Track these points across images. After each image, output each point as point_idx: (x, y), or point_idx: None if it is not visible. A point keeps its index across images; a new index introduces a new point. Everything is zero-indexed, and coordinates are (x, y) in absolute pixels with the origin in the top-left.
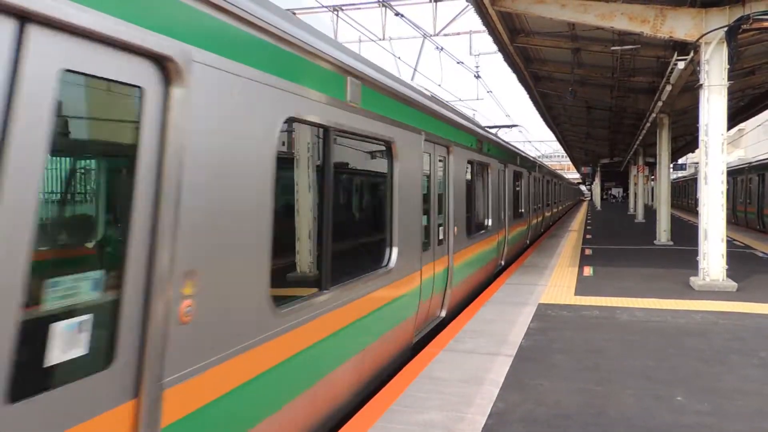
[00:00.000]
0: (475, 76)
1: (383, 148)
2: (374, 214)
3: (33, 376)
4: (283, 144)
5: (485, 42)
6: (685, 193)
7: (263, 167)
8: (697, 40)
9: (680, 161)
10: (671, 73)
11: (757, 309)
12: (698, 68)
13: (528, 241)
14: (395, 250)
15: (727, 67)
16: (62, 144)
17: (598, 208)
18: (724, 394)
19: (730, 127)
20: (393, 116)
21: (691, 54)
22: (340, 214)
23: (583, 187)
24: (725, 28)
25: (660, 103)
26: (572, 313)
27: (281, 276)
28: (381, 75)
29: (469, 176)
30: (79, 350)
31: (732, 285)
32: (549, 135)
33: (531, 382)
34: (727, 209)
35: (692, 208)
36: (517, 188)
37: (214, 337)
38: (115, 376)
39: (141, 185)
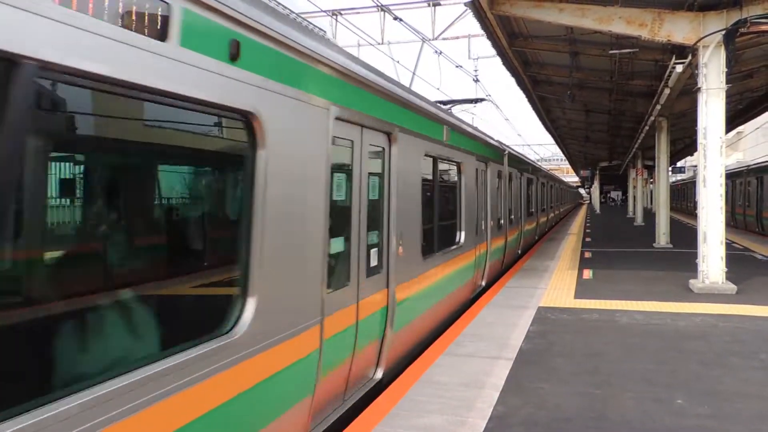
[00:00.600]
0: (473, 79)
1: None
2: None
3: (372, 269)
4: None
5: (484, 46)
6: (684, 196)
7: (419, 182)
8: (695, 44)
9: (679, 164)
10: (669, 76)
11: (756, 311)
12: (696, 71)
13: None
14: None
15: (725, 70)
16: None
17: (597, 211)
18: (725, 397)
19: (728, 129)
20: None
21: (689, 57)
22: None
23: (582, 191)
24: (723, 32)
25: (658, 107)
26: (572, 316)
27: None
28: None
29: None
30: (374, 262)
31: (731, 287)
32: (548, 138)
33: (531, 386)
34: (726, 212)
35: (691, 211)
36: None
37: (408, 265)
38: (382, 277)
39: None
